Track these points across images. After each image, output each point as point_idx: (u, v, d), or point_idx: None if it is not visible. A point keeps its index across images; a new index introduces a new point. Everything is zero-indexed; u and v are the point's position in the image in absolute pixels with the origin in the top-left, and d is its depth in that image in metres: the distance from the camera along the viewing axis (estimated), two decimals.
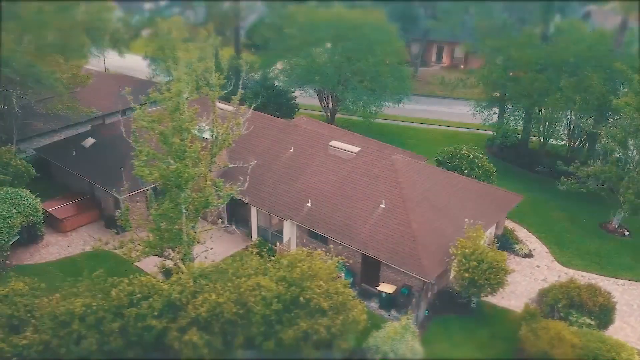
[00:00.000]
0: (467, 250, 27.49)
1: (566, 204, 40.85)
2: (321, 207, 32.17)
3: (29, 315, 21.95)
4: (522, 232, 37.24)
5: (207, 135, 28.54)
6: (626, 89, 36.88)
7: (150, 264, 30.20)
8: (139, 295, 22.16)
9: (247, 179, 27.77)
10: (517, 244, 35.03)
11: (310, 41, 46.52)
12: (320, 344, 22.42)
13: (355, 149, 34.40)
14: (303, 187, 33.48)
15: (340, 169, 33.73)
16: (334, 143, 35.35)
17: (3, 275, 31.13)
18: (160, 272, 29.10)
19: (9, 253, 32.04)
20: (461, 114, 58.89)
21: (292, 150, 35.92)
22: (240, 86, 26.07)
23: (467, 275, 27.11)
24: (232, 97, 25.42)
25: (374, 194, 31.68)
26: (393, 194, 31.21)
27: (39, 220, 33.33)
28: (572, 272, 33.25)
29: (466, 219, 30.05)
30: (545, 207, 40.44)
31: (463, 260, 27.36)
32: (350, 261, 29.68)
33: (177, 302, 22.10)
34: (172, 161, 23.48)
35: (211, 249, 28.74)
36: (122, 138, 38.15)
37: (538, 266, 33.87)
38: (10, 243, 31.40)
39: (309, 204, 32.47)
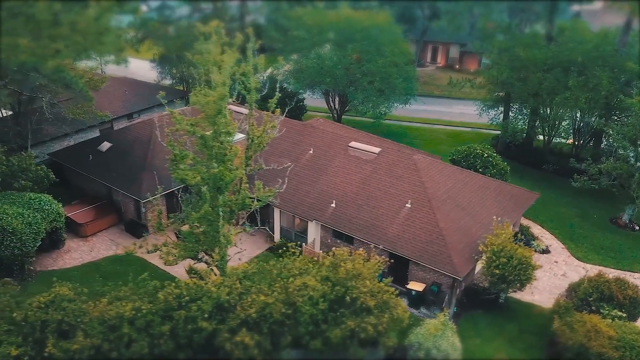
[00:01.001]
0: (496, 248, 28.12)
1: (575, 200, 41.90)
2: (346, 208, 32.56)
3: (78, 320, 21.94)
4: (536, 229, 38.10)
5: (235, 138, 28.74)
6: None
7: (175, 267, 30.20)
8: (187, 297, 22.30)
9: (286, 181, 28.06)
10: (534, 240, 35.84)
11: (318, 43, 46.89)
12: (365, 342, 22.86)
13: (376, 150, 34.87)
14: (326, 188, 33.85)
15: (362, 169, 34.17)
16: (353, 144, 35.77)
17: (29, 281, 31.08)
18: (190, 275, 29.37)
19: (34, 259, 31.95)
20: (461, 114, 60.01)
21: (311, 151, 36.26)
22: (278, 89, 26.33)
23: (497, 271, 27.72)
24: (269, 100, 25.63)
25: (399, 193, 32.19)
26: (418, 193, 31.75)
27: (61, 226, 33.23)
28: (589, 267, 34.18)
29: (494, 217, 30.74)
30: (555, 204, 41.38)
31: (493, 257, 27.97)
32: (392, 261, 30.06)
33: (225, 303, 22.32)
34: (215, 164, 23.63)
35: (244, 250, 28.97)
36: (140, 141, 38.54)
37: (556, 262, 34.71)
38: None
39: (333, 205, 32.85)
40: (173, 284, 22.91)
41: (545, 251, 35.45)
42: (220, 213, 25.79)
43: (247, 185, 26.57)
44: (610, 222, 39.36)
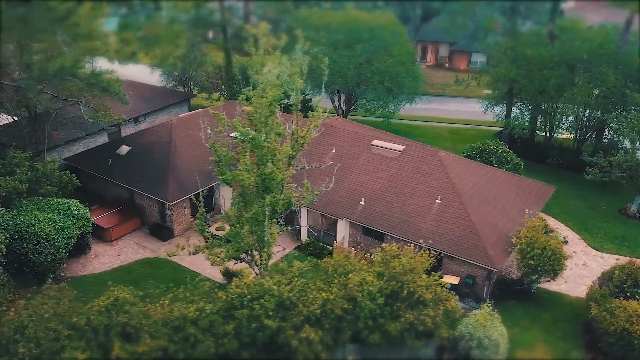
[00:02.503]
0: (529, 239, 29.05)
1: (582, 192, 43.30)
2: (375, 205, 33.10)
3: (142, 322, 21.97)
4: (550, 221, 39.20)
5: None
6: None
7: (207, 268, 30.26)
8: (248, 296, 22.55)
9: (333, 180, 28.44)
10: (551, 232, 36.93)
11: (327, 44, 47.30)
12: (421, 334, 23.47)
13: (400, 147, 35.50)
14: (353, 187, 34.33)
15: (388, 167, 34.76)
16: (376, 142, 36.34)
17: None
18: (224, 275, 29.60)
19: (65, 265, 31.68)
20: (457, 111, 61.31)
21: (334, 150, 36.71)
22: (323, 89, 26.76)
23: (532, 262, 28.65)
24: (314, 99, 26.04)
25: (427, 190, 32.88)
26: (447, 189, 32.49)
27: (89, 231, 33.00)
28: (607, 256, 35.48)
29: (525, 210, 31.67)
30: (564, 196, 42.62)
31: (527, 248, 28.87)
32: (441, 255, 30.55)
33: (287, 301, 22.65)
34: (270, 164, 23.92)
35: (284, 249, 29.29)
36: (159, 144, 38.42)
37: (575, 252, 35.87)
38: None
39: (362, 203, 33.35)
40: (233, 284, 23.18)
41: (563, 242, 36.57)
42: (267, 213, 26.14)
43: (291, 184, 26.94)
44: (619, 212, 40.82)
